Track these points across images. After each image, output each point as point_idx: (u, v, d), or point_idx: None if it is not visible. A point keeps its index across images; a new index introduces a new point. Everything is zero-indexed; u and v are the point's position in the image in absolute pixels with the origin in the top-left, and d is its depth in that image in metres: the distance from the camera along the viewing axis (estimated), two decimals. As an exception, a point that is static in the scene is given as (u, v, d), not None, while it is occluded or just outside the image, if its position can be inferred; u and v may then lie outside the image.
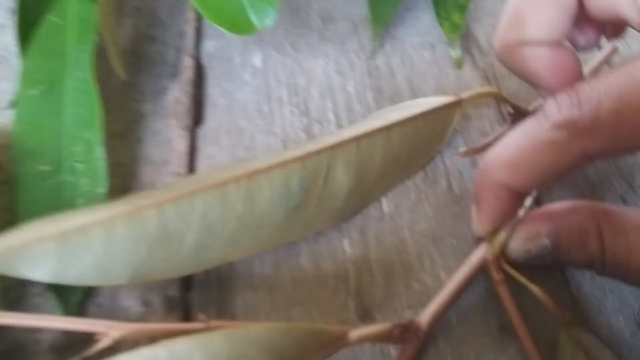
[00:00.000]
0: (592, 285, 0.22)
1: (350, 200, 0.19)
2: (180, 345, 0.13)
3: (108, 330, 0.15)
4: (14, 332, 0.17)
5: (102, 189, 0.18)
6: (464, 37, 0.29)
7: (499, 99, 0.24)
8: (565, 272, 0.23)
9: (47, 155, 0.18)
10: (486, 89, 0.25)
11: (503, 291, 0.19)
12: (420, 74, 0.27)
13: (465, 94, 0.23)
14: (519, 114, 0.24)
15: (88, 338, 0.15)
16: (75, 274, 0.16)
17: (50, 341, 0.17)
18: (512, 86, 0.27)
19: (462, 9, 0.28)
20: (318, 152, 0.18)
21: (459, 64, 0.28)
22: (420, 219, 0.22)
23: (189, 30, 0.25)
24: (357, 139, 0.19)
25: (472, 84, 0.27)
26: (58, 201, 0.18)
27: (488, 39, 0.30)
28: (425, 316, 0.18)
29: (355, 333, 0.15)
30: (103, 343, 0.15)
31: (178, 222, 0.16)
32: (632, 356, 0.21)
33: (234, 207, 0.17)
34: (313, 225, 0.19)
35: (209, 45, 0.25)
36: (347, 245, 0.21)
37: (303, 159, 0.18)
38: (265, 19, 0.20)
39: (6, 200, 0.18)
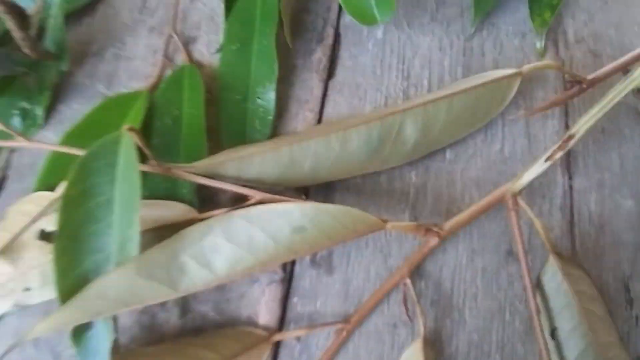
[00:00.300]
0: (595, 244, 0.30)
1: (416, 149, 0.30)
2: (290, 205, 0.25)
3: (255, 194, 0.27)
4: (206, 189, 0.30)
5: (270, 116, 0.30)
6: (554, 29, 0.36)
7: (559, 69, 0.32)
8: (574, 230, 0.31)
9: (239, 90, 0.30)
10: (545, 62, 0.32)
11: (512, 216, 0.28)
12: (506, 58, 0.35)
13: (525, 67, 0.31)
14: (575, 82, 0.32)
15: (245, 197, 0.28)
16: (246, 176, 0.28)
17: (227, 197, 0.30)
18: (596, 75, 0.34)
19: (554, 8, 0.35)
20: (393, 114, 0.28)
21: (541, 54, 0.35)
22: (471, 168, 0.32)
23: (334, 5, 0.36)
24: (425, 104, 0.29)
25: (552, 79, 0.34)
26: (244, 119, 0.30)
27: (576, 34, 0.36)
28: (448, 223, 0.28)
29: (391, 224, 0.26)
30: (252, 200, 0.27)
31: (300, 155, 0.28)
32: (610, 305, 0.29)
33: (333, 148, 0.28)
34: (386, 164, 0.30)
35: (347, 19, 0.35)
36: (413, 175, 0.31)
37: (381, 118, 0.28)
38: (385, 17, 0.30)
39: (213, 112, 0.31)
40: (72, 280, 0.24)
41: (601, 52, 0.36)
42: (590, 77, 0.32)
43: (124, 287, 0.23)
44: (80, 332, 0.24)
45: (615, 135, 0.34)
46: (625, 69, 0.33)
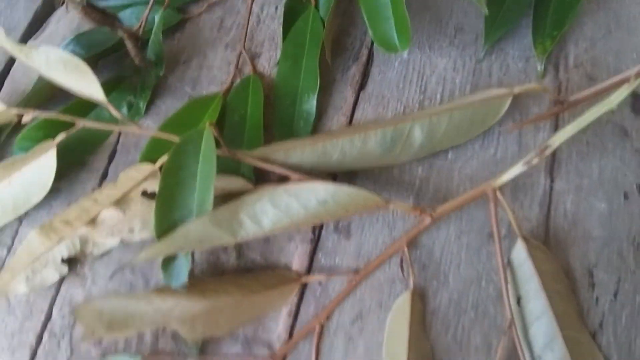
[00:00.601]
0: (567, 235, 0.40)
1: (422, 149, 0.41)
2: (318, 184, 0.37)
3: (295, 176, 0.39)
4: (261, 169, 0.42)
5: (312, 118, 0.42)
6: (557, 53, 0.46)
7: (544, 91, 0.42)
8: (549, 222, 0.41)
9: (290, 97, 0.43)
10: (532, 85, 0.42)
11: (491, 205, 0.38)
12: (510, 79, 0.45)
13: (516, 89, 0.41)
14: (558, 102, 0.42)
15: (288, 178, 0.40)
16: (290, 162, 0.40)
17: (276, 177, 0.42)
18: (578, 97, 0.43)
19: (554, 39, 0.45)
20: (404, 121, 0.40)
21: (541, 76, 0.45)
22: (467, 167, 0.42)
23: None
24: (430, 115, 0.40)
25: (546, 98, 0.44)
26: (292, 119, 0.43)
27: (576, 59, 0.46)
28: (440, 208, 0.39)
29: (392, 204, 0.37)
30: (292, 180, 0.40)
31: (331, 149, 0.40)
32: (575, 286, 0.39)
33: (356, 145, 0.39)
34: (397, 160, 0.41)
35: (380, 42, 0.47)
36: (419, 170, 0.42)
37: (395, 124, 0.40)
38: (404, 46, 0.41)
39: (269, 113, 0.44)
40: (165, 226, 0.37)
41: (597, 76, 0.46)
42: (571, 98, 0.42)
43: (201, 231, 0.36)
44: (167, 262, 0.38)
45: (599, 148, 0.43)
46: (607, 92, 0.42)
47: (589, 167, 0.43)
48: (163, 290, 0.37)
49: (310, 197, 0.37)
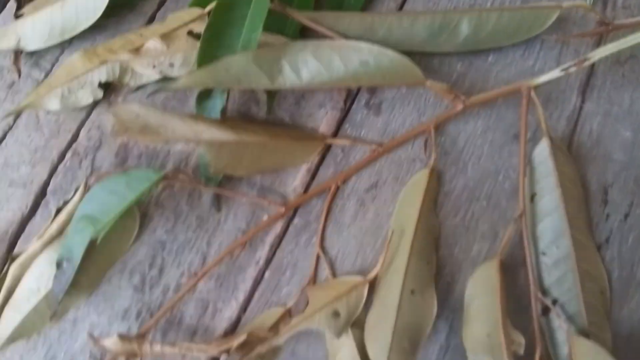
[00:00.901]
0: (588, 152, 0.42)
1: (466, 43, 0.42)
2: (362, 43, 0.38)
3: (339, 38, 0.40)
4: (306, 35, 0.44)
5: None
6: (609, -9, 0.47)
7: (590, 11, 0.43)
8: (574, 136, 0.42)
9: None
10: (580, 2, 0.43)
11: (523, 102, 0.40)
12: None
13: (565, 3, 0.42)
14: (604, 23, 0.43)
15: (333, 47, 0.41)
16: (336, 29, 0.42)
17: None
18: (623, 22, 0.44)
19: (609, -31, 0.46)
20: (454, 12, 0.41)
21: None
22: (505, 72, 0.44)
23: None
24: (480, 11, 0.41)
25: (590, 23, 0.45)
26: None
27: (625, 1, 0.47)
28: (473, 97, 0.40)
29: (430, 82, 0.38)
30: (338, 50, 0.41)
31: (378, 23, 0.41)
32: (588, 199, 0.41)
33: (403, 24, 0.41)
34: (440, 49, 0.42)
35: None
36: (459, 65, 0.44)
37: (445, 13, 0.41)
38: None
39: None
40: (208, 61, 0.38)
41: (643, 20, 0.46)
42: (616, 22, 0.43)
43: (242, 67, 0.37)
44: (202, 98, 0.39)
45: (633, 82, 0.44)
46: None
47: (620, 97, 0.44)
48: (196, 115, 0.38)
49: (353, 55, 0.38)
